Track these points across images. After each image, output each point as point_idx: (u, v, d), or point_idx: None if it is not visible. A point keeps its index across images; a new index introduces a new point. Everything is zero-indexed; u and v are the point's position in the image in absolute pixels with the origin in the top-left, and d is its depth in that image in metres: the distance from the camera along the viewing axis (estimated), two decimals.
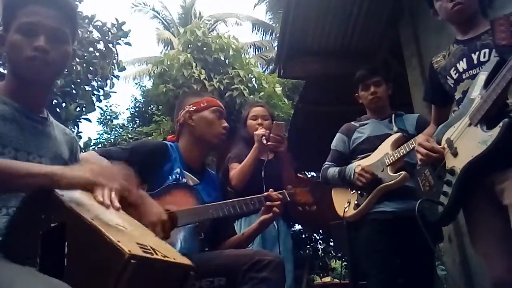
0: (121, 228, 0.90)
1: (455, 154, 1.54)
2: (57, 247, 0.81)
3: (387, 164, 2.10)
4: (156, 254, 0.84)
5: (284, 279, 1.45)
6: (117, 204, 0.91)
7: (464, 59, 1.61)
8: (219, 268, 1.44)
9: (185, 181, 1.67)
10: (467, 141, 1.49)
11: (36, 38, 1.11)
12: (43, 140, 1.18)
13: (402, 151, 2.06)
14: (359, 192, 2.18)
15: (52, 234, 0.83)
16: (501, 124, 1.37)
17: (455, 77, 1.65)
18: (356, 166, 2.16)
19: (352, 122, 2.41)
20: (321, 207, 1.93)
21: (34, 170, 0.93)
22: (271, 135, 2.26)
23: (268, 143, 2.26)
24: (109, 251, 0.76)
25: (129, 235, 0.89)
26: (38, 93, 1.20)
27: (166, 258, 0.87)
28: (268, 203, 1.69)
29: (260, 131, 2.34)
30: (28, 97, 1.16)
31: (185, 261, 0.94)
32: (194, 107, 1.78)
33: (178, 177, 1.66)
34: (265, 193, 1.71)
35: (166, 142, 1.79)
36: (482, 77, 1.49)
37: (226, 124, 1.80)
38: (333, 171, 2.28)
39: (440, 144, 1.62)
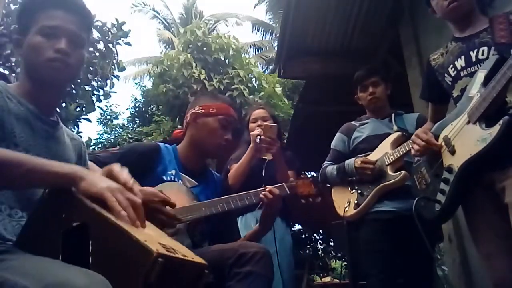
0: (141, 228, 0.92)
1: (452, 152, 1.54)
2: (79, 246, 0.83)
3: (387, 163, 2.10)
4: (177, 253, 0.87)
5: (272, 269, 1.40)
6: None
7: (462, 57, 1.61)
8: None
9: (180, 182, 1.64)
10: (465, 139, 1.49)
11: (57, 41, 1.13)
12: (52, 144, 1.18)
13: (401, 150, 2.06)
14: (359, 191, 2.17)
15: (74, 233, 0.84)
16: (501, 121, 1.36)
17: (453, 74, 1.64)
18: (354, 160, 2.16)
19: (352, 122, 2.41)
20: (326, 200, 1.88)
21: (55, 168, 0.92)
22: (262, 137, 2.23)
23: (261, 144, 2.24)
24: (137, 251, 0.79)
25: (149, 235, 0.91)
26: (51, 96, 1.20)
27: (186, 257, 0.89)
28: (261, 195, 1.62)
29: (256, 131, 2.33)
30: (41, 100, 1.17)
31: (201, 260, 0.96)
32: (203, 110, 1.73)
33: (173, 178, 1.63)
34: (262, 188, 1.66)
35: (160, 144, 1.75)
36: (481, 75, 1.48)
37: (228, 137, 1.72)
38: (331, 168, 2.28)
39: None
